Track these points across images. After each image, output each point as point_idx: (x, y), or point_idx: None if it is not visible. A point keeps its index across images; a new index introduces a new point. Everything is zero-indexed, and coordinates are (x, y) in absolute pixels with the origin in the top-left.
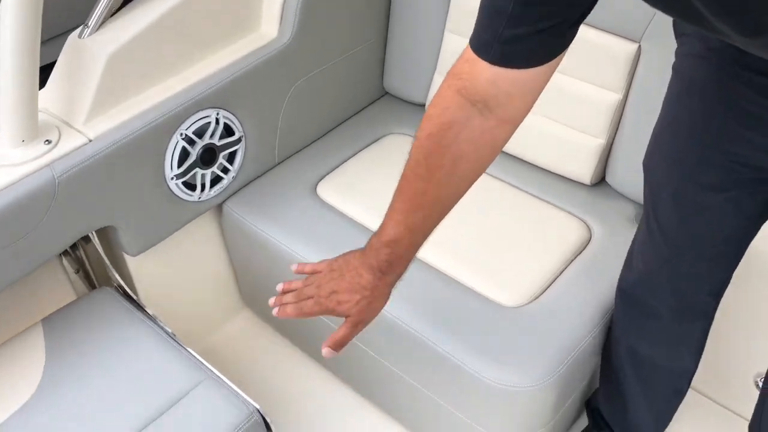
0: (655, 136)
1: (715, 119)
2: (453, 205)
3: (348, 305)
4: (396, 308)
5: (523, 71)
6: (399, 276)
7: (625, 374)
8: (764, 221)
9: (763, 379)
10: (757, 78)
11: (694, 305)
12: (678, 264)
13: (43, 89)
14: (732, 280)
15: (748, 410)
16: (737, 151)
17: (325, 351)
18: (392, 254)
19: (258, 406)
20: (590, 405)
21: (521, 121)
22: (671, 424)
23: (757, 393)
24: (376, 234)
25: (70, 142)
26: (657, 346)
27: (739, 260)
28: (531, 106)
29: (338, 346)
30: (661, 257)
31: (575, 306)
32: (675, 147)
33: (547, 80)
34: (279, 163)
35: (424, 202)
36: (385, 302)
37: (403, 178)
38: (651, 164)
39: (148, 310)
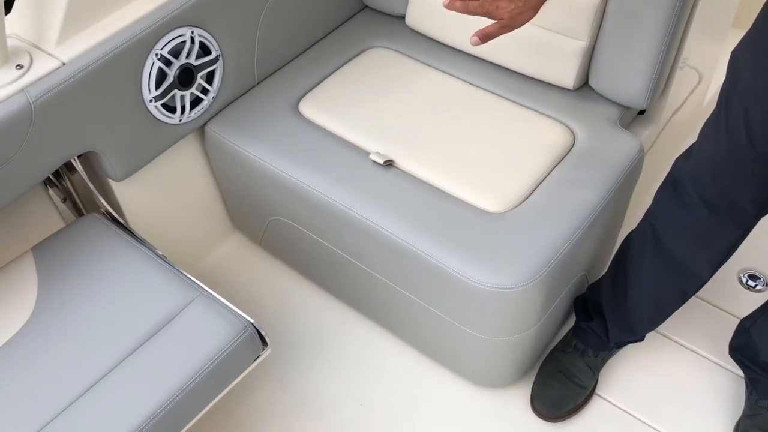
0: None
1: None
2: None
3: (504, 11)
4: (383, 219)
5: None
6: None
7: (641, 263)
8: None
9: (747, 275)
10: None
11: (732, 208)
12: (729, 162)
13: (10, 14)
14: None
15: (734, 306)
16: None
17: (473, 39)
18: None
19: (252, 320)
20: (579, 302)
21: None
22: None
23: (741, 289)
24: None
25: (43, 66)
26: (683, 240)
27: None
28: None
29: (485, 38)
30: (717, 150)
31: (560, 208)
32: None
33: None
34: (259, 82)
35: None
36: (533, 16)
37: None
38: (741, 54)
39: (138, 234)
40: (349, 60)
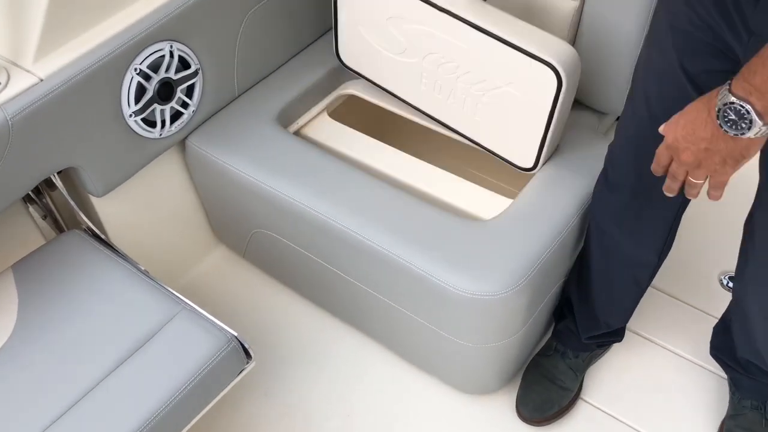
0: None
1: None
2: None
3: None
4: (365, 228)
5: None
6: None
7: (592, 254)
8: None
9: (728, 277)
10: None
11: (653, 189)
12: (640, 141)
13: None
14: None
15: (715, 308)
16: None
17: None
18: None
19: (236, 333)
20: (559, 306)
21: None
22: (639, 323)
23: (721, 291)
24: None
25: (20, 83)
26: (617, 227)
27: None
28: None
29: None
30: (628, 130)
31: (541, 214)
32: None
33: None
34: (240, 95)
35: None
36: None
37: None
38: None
39: (119, 250)
40: (329, 72)
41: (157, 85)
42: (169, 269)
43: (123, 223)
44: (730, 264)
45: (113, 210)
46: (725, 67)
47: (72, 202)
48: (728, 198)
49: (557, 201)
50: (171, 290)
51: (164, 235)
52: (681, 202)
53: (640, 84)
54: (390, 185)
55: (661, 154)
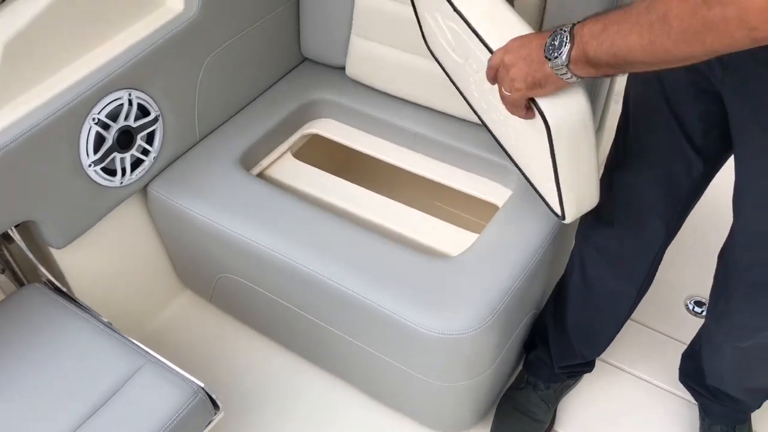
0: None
1: None
2: None
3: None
4: (330, 270)
5: None
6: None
7: (573, 284)
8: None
9: (693, 302)
10: None
11: (640, 223)
12: (629, 173)
13: None
14: None
15: (683, 333)
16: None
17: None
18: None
19: (202, 384)
20: (529, 336)
21: None
22: (608, 351)
23: (688, 316)
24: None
25: None
26: (602, 263)
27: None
28: None
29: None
30: (618, 163)
31: (507, 249)
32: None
33: None
34: (201, 139)
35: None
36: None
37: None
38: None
39: (81, 302)
40: (291, 113)
41: (116, 134)
42: (135, 317)
43: (85, 274)
44: (696, 289)
45: (74, 261)
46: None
47: (31, 255)
48: (692, 225)
49: (523, 234)
50: (135, 342)
51: (128, 283)
52: (665, 238)
53: (623, 118)
54: (355, 224)
55: (497, 55)
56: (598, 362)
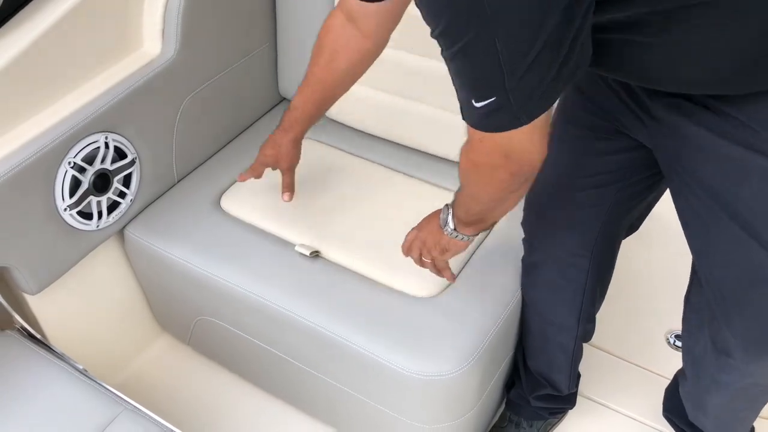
0: None
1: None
2: (338, 93)
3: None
4: (311, 313)
5: (379, 4)
6: (298, 134)
7: (527, 323)
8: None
9: (674, 336)
10: None
11: (566, 256)
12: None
13: None
14: (635, 241)
15: (665, 368)
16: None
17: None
18: (292, 118)
19: None
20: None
21: (381, 44)
22: (590, 387)
23: (669, 350)
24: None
25: None
26: (537, 291)
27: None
28: (389, 30)
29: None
30: (536, 202)
31: (487, 288)
32: None
33: (400, 12)
34: (179, 181)
35: (316, 84)
36: (297, 153)
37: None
38: None
39: (56, 349)
40: None
41: (92, 177)
42: (112, 362)
43: (60, 319)
44: (675, 323)
45: (49, 307)
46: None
47: (4, 303)
48: (668, 257)
49: (502, 272)
50: (111, 389)
51: (105, 328)
52: (589, 270)
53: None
54: (333, 265)
55: (411, 234)
56: (580, 399)
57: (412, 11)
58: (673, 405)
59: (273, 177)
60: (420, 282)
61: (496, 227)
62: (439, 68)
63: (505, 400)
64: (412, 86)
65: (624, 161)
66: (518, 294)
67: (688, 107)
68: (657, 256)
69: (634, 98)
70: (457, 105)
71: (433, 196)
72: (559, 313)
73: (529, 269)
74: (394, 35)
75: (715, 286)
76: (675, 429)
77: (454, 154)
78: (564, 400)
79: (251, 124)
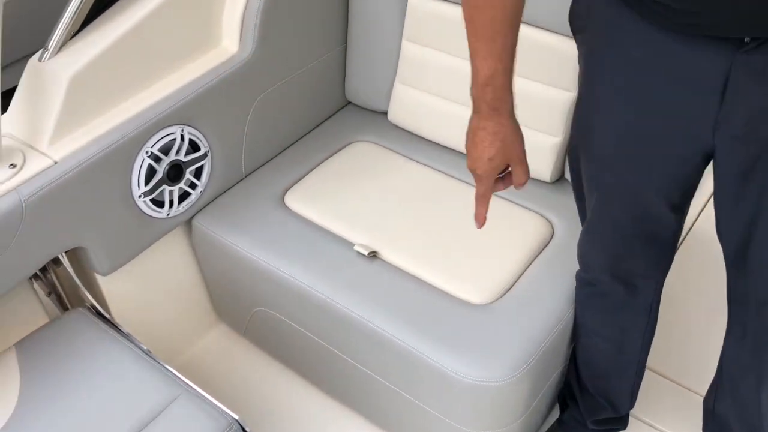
0: None
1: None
2: (520, 18)
3: (496, 160)
4: (367, 311)
5: None
6: (511, 107)
7: (585, 344)
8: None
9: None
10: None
11: (630, 282)
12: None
13: (5, 114)
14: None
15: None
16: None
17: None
18: (495, 89)
19: (237, 417)
20: (560, 394)
21: None
22: (642, 409)
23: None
24: (473, 86)
25: (35, 165)
26: (605, 324)
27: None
28: None
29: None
30: (594, 232)
31: (542, 300)
32: None
33: None
34: (246, 176)
35: (496, 26)
36: (519, 134)
37: (468, 21)
38: None
39: (123, 329)
40: (333, 154)
41: (166, 167)
42: (170, 346)
43: (126, 301)
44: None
45: (117, 288)
46: None
47: (78, 281)
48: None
49: (557, 286)
50: (173, 371)
51: (166, 313)
52: (653, 289)
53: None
54: (393, 266)
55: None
56: (632, 420)
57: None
58: (714, 425)
59: (335, 178)
60: (476, 288)
61: (554, 241)
62: (516, 83)
63: (557, 419)
64: None
65: None
66: (571, 307)
67: None
68: (703, 274)
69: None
70: (522, 116)
71: (493, 207)
72: (627, 335)
73: (588, 285)
74: (456, 43)
75: None
76: None
77: None
78: (616, 420)
79: (317, 125)
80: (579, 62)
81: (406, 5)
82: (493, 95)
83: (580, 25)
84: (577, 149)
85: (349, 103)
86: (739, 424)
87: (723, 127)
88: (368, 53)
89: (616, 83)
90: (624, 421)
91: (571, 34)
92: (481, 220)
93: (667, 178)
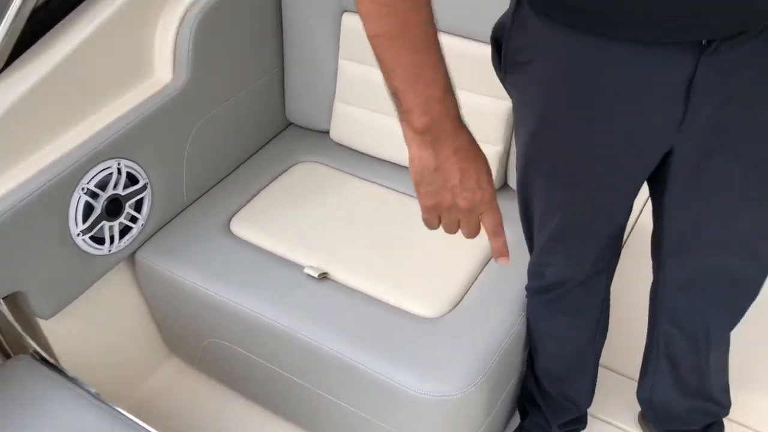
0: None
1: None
2: (435, 29)
3: (487, 176)
4: (320, 334)
5: None
6: (456, 119)
7: (542, 349)
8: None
9: None
10: None
11: (586, 281)
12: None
13: None
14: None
15: None
16: None
17: (501, 261)
18: (454, 98)
19: None
20: (519, 402)
21: None
22: (598, 406)
23: None
24: (424, 109)
25: None
26: (561, 328)
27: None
28: None
29: (503, 250)
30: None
31: (493, 308)
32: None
33: None
34: (189, 205)
35: (432, 29)
36: (478, 150)
37: (400, 31)
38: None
39: (68, 373)
40: (277, 176)
41: (105, 203)
42: (122, 385)
43: (71, 343)
44: None
45: (61, 331)
46: None
47: (18, 327)
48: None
49: (507, 292)
50: (124, 413)
51: (115, 350)
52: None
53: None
54: (342, 286)
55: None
56: (590, 419)
57: None
58: (646, 408)
59: (280, 201)
60: (427, 302)
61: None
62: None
63: (518, 427)
64: None
65: None
66: (523, 314)
67: None
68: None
69: None
70: (475, 132)
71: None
72: (582, 332)
73: (542, 294)
74: None
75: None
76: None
77: None
78: (579, 421)
79: (260, 149)
80: (515, 108)
81: (340, 25)
82: (455, 105)
83: (524, 57)
84: (531, 175)
85: (291, 124)
86: (678, 394)
87: (687, 126)
88: (306, 74)
89: (577, 108)
90: (584, 420)
91: None
92: (505, 252)
93: (631, 181)
